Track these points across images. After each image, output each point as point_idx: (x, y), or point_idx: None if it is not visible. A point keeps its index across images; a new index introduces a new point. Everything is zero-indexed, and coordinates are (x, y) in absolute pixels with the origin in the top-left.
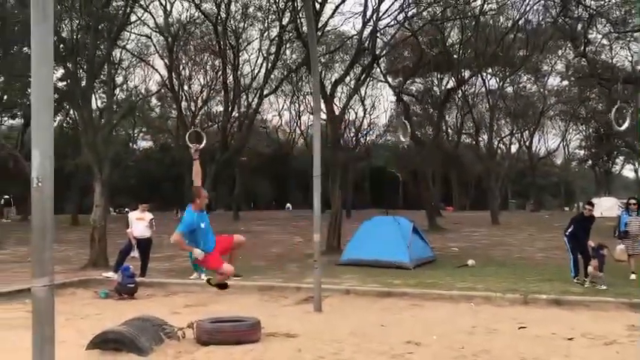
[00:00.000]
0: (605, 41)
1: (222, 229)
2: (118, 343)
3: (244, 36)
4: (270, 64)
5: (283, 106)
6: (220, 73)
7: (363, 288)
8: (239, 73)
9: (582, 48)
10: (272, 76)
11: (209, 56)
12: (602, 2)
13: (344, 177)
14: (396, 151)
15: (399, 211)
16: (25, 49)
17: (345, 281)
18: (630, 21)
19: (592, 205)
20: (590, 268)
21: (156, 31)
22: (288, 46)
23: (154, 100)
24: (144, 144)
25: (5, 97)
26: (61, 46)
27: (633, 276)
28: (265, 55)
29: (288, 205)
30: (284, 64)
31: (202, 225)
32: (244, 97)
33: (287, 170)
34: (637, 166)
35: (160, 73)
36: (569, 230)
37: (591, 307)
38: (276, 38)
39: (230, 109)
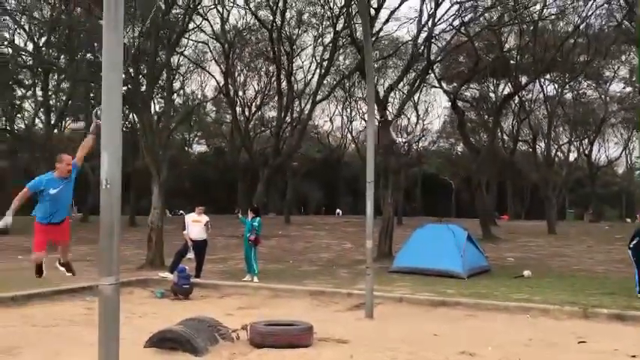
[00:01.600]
0: None
1: (269, 232)
2: (174, 342)
3: (298, 42)
4: (323, 70)
5: (335, 111)
6: (274, 79)
7: (415, 296)
8: (292, 79)
9: None
10: (325, 81)
11: (263, 62)
12: None
13: (396, 183)
14: (449, 157)
15: (452, 218)
16: (89, 55)
17: (396, 289)
18: None
19: None
20: None
21: (213, 38)
22: (341, 51)
23: (209, 106)
24: (199, 148)
25: (70, 101)
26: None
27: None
28: (319, 61)
29: (338, 210)
30: (337, 70)
31: (52, 191)
32: (297, 102)
33: (337, 176)
34: None
35: (215, 79)
36: (634, 242)
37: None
38: (330, 44)
39: (283, 114)
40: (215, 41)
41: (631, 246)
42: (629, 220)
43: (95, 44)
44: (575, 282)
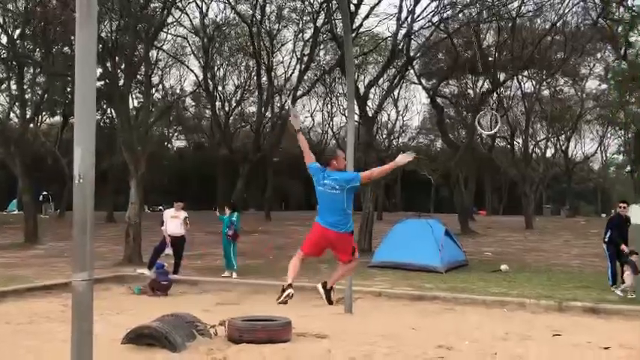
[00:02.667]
0: None
1: (251, 228)
2: (152, 338)
3: (278, 37)
4: (303, 66)
5: (316, 107)
6: (254, 74)
7: (394, 291)
8: (273, 74)
9: (623, 50)
10: (305, 77)
11: (243, 57)
12: None
13: (376, 179)
14: (428, 153)
15: (431, 214)
16: (65, 48)
17: (376, 283)
18: None
19: (626, 202)
20: (625, 275)
21: (192, 32)
22: (321, 47)
23: (188, 100)
24: (178, 143)
25: (46, 95)
26: (100, 46)
27: None
28: (299, 56)
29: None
30: (317, 66)
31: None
32: (277, 98)
33: None
34: None
35: (195, 74)
36: (608, 236)
37: (629, 317)
38: (310, 40)
39: (263, 109)
40: (194, 35)
41: (606, 240)
42: (604, 215)
43: (72, 37)
44: (551, 276)
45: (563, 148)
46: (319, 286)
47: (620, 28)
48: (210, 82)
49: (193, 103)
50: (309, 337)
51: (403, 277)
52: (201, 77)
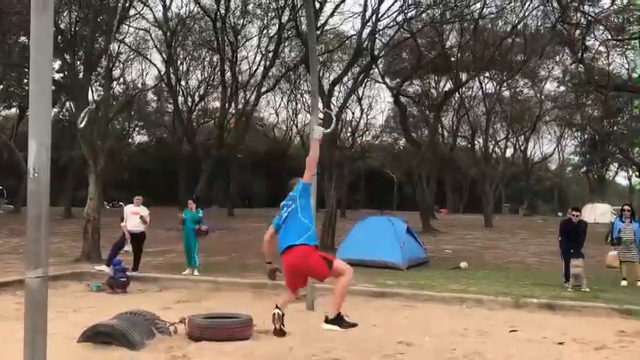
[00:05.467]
0: (602, 48)
1: (214, 226)
2: (108, 336)
3: (243, 33)
4: (268, 62)
5: (280, 104)
6: (218, 69)
7: (356, 288)
8: (237, 69)
9: (579, 54)
10: (270, 73)
11: (207, 52)
12: (601, 9)
13: (339, 176)
14: (392, 151)
15: (394, 212)
16: (22, 39)
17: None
18: (628, 28)
19: (578, 210)
20: (576, 270)
21: (154, 26)
22: (286, 44)
23: (150, 95)
24: (139, 138)
25: (1, 87)
26: (59, 37)
27: (624, 282)
28: (264, 52)
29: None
30: (282, 62)
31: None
32: (242, 94)
33: (283, 168)
34: (630, 173)
35: (157, 68)
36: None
37: (583, 313)
38: (275, 36)
39: (227, 105)
40: (157, 29)
41: (560, 239)
42: (560, 214)
43: (28, 26)
44: (508, 273)
45: (522, 148)
46: (325, 326)
47: (577, 32)
48: (173, 77)
49: (155, 98)
50: (270, 334)
51: (365, 274)
52: (163, 71)
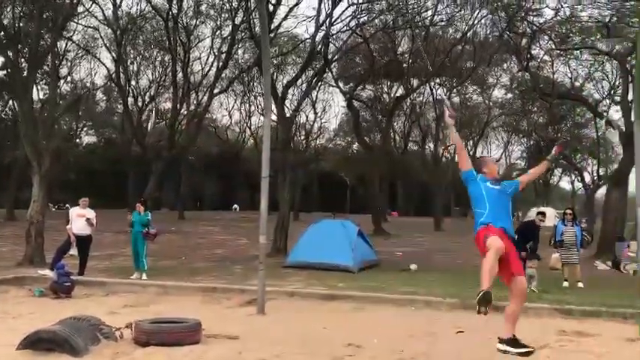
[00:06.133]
0: (547, 57)
1: (160, 228)
2: (51, 342)
3: (196, 33)
4: (221, 63)
5: (234, 105)
6: (170, 69)
7: (307, 290)
8: (189, 70)
9: (525, 63)
10: (223, 75)
11: (159, 52)
12: (545, 20)
13: (293, 179)
14: (345, 155)
15: (347, 214)
16: None
17: (289, 284)
18: (571, 39)
19: (544, 215)
20: (530, 270)
21: (104, 24)
22: (240, 45)
23: (99, 94)
24: (88, 139)
25: None
26: (2, 33)
27: (566, 283)
28: (217, 53)
29: (235, 205)
30: (236, 64)
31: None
32: (194, 94)
33: (235, 171)
34: (573, 178)
35: (106, 67)
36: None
37: (527, 313)
38: (229, 37)
39: (179, 106)
40: (106, 27)
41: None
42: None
43: None
44: (457, 275)
45: (471, 152)
46: (501, 346)
47: (523, 42)
48: (123, 76)
49: (105, 98)
50: (220, 338)
51: (317, 277)
52: (113, 70)
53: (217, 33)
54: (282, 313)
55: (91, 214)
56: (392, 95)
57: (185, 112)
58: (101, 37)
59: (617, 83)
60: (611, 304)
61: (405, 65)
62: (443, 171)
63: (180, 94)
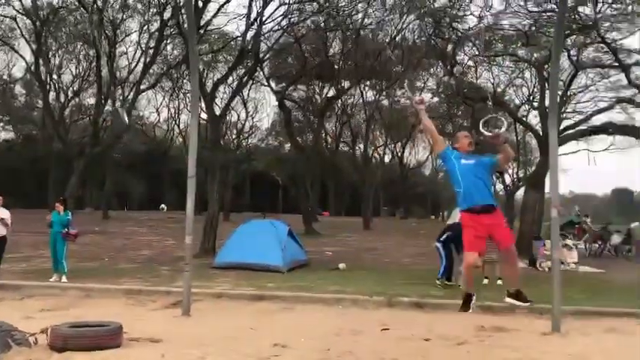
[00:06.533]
0: (471, 63)
1: (83, 228)
2: None
3: (122, 27)
4: (148, 59)
5: (162, 102)
6: (94, 64)
7: (235, 291)
8: (115, 65)
9: (450, 68)
10: (151, 71)
11: (82, 45)
12: (469, 27)
13: (223, 179)
14: (277, 155)
15: (278, 214)
16: None
17: (217, 285)
18: (494, 46)
19: None
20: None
21: (22, 14)
22: (169, 41)
23: (18, 88)
24: (5, 134)
25: None
26: None
27: (486, 280)
28: (144, 49)
29: (163, 205)
30: (164, 60)
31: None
32: (120, 90)
33: (163, 169)
34: (494, 179)
35: (25, 60)
36: (444, 236)
37: (449, 310)
38: (157, 33)
39: (103, 102)
40: (25, 17)
41: (441, 239)
42: (433, 217)
43: None
44: (384, 273)
45: (399, 154)
46: (509, 300)
47: (449, 47)
48: (44, 70)
49: (24, 92)
50: (142, 341)
51: (246, 278)
52: (32, 63)
53: (145, 28)
54: (208, 315)
55: (5, 214)
56: (323, 96)
57: (110, 109)
58: (19, 27)
59: (535, 90)
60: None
61: (336, 67)
62: (372, 172)
63: (105, 89)
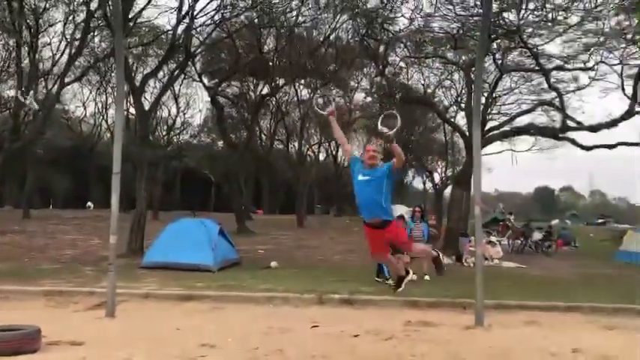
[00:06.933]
0: (402, 64)
1: (1, 227)
2: None
3: (46, 17)
4: (74, 50)
5: (89, 96)
6: (14, 54)
7: (162, 292)
8: (37, 56)
9: (382, 68)
10: (77, 63)
11: (1, 34)
12: (400, 28)
13: (152, 175)
14: (210, 152)
15: (210, 213)
16: None
17: (144, 285)
18: (424, 48)
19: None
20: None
21: None
22: (96, 33)
23: None
24: None
25: None
26: None
27: (414, 277)
28: (69, 40)
29: (90, 203)
30: (91, 52)
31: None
32: (43, 83)
33: (90, 166)
34: (424, 178)
35: None
36: None
37: (378, 306)
38: (83, 24)
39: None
40: None
41: None
42: None
43: None
44: (316, 271)
45: (334, 153)
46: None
47: (381, 48)
48: None
49: None
50: (62, 345)
51: (174, 278)
52: None
53: (70, 18)
54: (133, 316)
55: None
56: (258, 93)
57: (18, 96)
58: None
59: (463, 91)
60: (453, 295)
61: (270, 64)
62: (307, 170)
63: (25, 81)
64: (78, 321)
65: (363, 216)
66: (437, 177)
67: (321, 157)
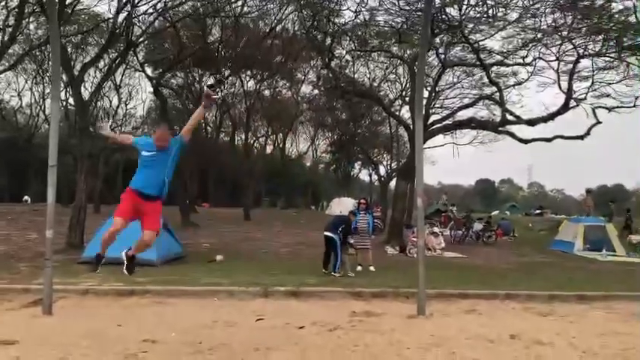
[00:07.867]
0: (348, 57)
1: None
2: None
3: None
4: (7, 37)
5: (25, 86)
6: None
7: (102, 287)
8: None
9: (328, 61)
10: (11, 50)
11: None
12: (346, 21)
13: (93, 168)
14: None
15: None
16: None
17: (83, 281)
18: (370, 42)
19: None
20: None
21: None
22: (32, 20)
23: None
24: None
25: None
26: None
27: (359, 267)
28: (2, 26)
29: (27, 197)
30: (26, 39)
31: (144, 154)
32: None
33: (27, 158)
34: (370, 170)
35: None
36: (340, 228)
37: (323, 297)
38: (17, 10)
39: None
40: None
41: (338, 232)
42: (313, 207)
43: None
44: (262, 264)
45: (281, 145)
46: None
47: (327, 41)
48: None
49: None
50: None
51: (115, 273)
52: None
53: (3, 4)
54: (72, 313)
55: None
56: (203, 84)
57: None
58: None
59: (407, 85)
60: (396, 285)
61: (216, 54)
62: (253, 162)
63: None
64: (11, 319)
65: (139, 186)
66: (382, 169)
67: (268, 149)
